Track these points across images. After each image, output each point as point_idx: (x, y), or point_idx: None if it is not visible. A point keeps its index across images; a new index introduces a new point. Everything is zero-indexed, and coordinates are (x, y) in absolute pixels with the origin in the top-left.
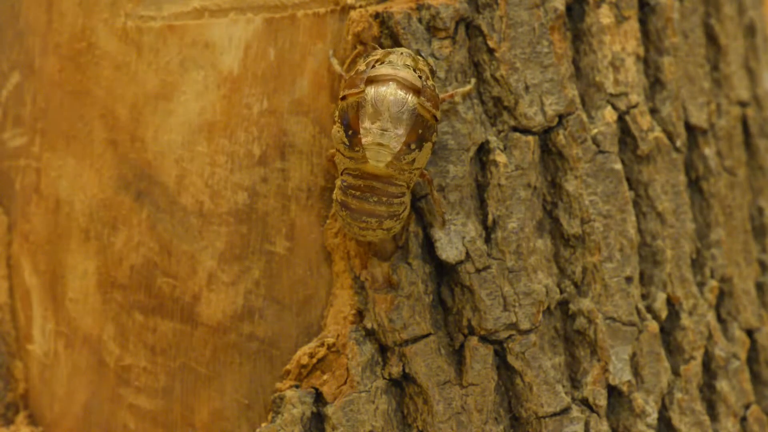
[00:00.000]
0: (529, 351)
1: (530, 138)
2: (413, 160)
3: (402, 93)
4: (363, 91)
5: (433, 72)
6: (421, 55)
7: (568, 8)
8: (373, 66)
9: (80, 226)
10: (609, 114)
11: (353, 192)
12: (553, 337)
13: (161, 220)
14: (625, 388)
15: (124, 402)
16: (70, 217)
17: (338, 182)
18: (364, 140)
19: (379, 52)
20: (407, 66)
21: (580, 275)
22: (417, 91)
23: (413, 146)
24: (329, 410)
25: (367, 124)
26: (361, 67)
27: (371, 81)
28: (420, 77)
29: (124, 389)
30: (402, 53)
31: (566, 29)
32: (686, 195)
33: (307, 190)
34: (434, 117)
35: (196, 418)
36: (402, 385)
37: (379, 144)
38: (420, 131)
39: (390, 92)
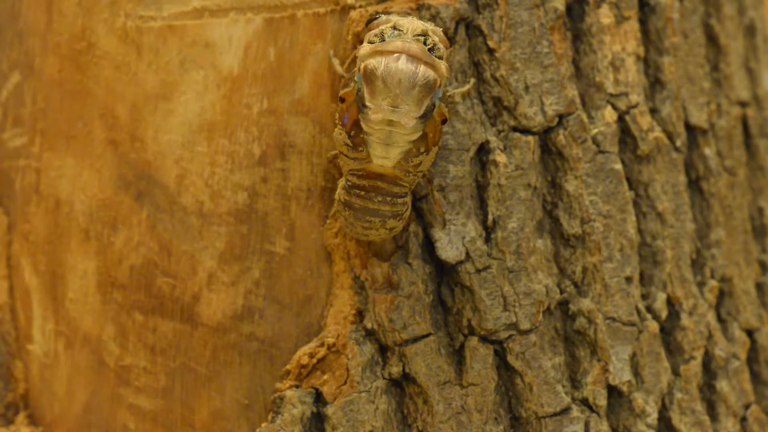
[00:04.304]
0: (529, 351)
1: (530, 138)
2: (419, 163)
3: (412, 66)
4: (353, 88)
5: (449, 37)
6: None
7: (568, 8)
8: (382, 39)
9: (80, 226)
10: (609, 114)
11: (357, 192)
12: (553, 337)
13: (161, 220)
14: (625, 388)
15: (124, 402)
16: (70, 217)
17: (341, 182)
18: (373, 117)
19: (384, 20)
20: (417, 37)
21: (580, 275)
22: (429, 65)
23: (422, 149)
24: (329, 410)
25: (377, 100)
26: (367, 42)
27: (380, 53)
28: (432, 49)
29: (124, 389)
30: (413, 20)
31: (566, 29)
32: (686, 195)
33: (307, 190)
34: (443, 120)
35: (196, 418)
36: (402, 385)
37: (390, 122)
38: (431, 111)
39: (401, 66)
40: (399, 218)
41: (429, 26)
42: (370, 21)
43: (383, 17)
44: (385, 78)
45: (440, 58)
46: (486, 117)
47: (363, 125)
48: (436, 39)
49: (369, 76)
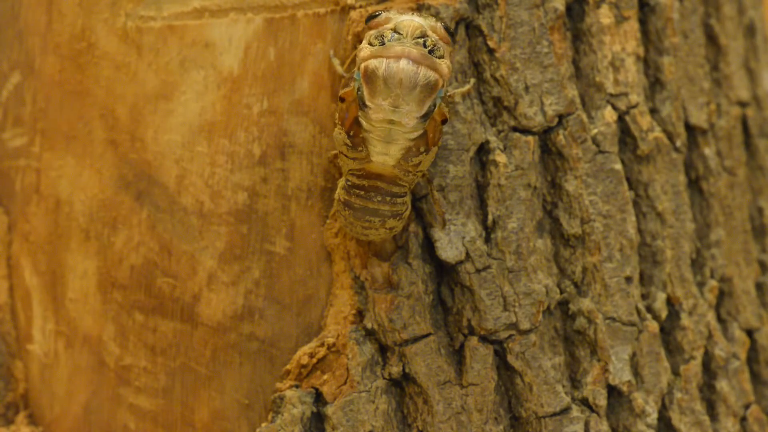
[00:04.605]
0: (529, 351)
1: (530, 138)
2: (419, 163)
3: (414, 66)
4: (352, 88)
5: (451, 35)
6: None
7: (568, 8)
8: (382, 43)
9: (80, 226)
10: (609, 114)
11: (357, 191)
12: (553, 337)
13: (161, 220)
14: (625, 388)
15: (124, 402)
16: (70, 217)
17: (341, 182)
18: (374, 116)
19: (384, 19)
20: (417, 40)
21: (580, 275)
22: (431, 68)
23: (422, 149)
24: (329, 410)
25: (377, 100)
26: (366, 44)
27: (381, 56)
28: (432, 50)
29: (124, 389)
30: (413, 20)
31: (566, 29)
32: (686, 195)
33: (307, 190)
34: (444, 120)
35: (196, 418)
36: (402, 385)
37: (391, 120)
38: (432, 111)
39: (402, 66)
40: (399, 218)
41: (429, 23)
42: (370, 18)
43: (383, 15)
44: (386, 78)
45: (441, 57)
46: (486, 117)
47: (363, 122)
48: (436, 38)
49: (370, 75)
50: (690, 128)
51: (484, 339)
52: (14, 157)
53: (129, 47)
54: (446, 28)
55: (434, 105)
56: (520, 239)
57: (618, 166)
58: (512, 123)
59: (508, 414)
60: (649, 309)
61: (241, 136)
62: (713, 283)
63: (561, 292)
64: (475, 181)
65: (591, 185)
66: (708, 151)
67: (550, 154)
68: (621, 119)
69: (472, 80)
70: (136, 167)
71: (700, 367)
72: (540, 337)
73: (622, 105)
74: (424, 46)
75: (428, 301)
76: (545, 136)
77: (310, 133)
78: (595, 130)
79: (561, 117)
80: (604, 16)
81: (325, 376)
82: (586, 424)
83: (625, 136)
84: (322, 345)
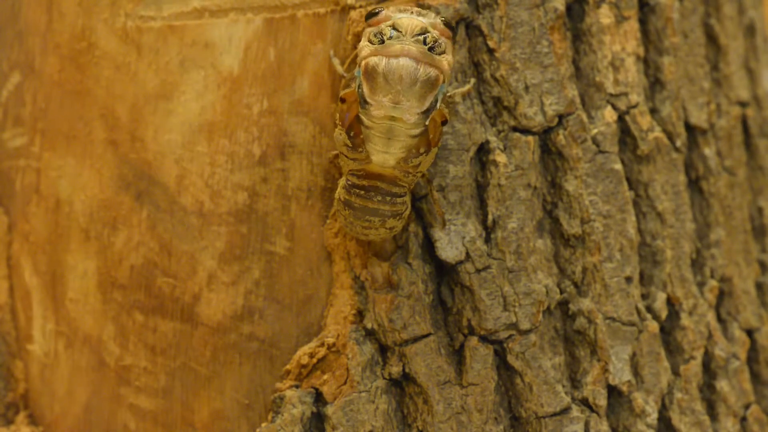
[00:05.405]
0: (529, 351)
1: (530, 138)
2: (419, 164)
3: (413, 62)
4: (353, 89)
5: (452, 30)
6: (438, 15)
7: (568, 8)
8: (382, 41)
9: (80, 226)
10: (609, 114)
11: (357, 191)
12: (553, 337)
13: (161, 220)
14: (625, 388)
15: (124, 402)
16: (70, 217)
17: (342, 182)
18: (375, 113)
19: (383, 16)
20: (417, 38)
21: (580, 275)
22: (430, 66)
23: (422, 149)
24: (329, 410)
25: (378, 96)
26: (366, 41)
27: (380, 54)
28: (433, 47)
29: (125, 389)
30: (412, 17)
31: (566, 29)
32: (686, 195)
33: (307, 190)
34: (444, 121)
35: (196, 418)
36: (402, 385)
37: (392, 118)
38: (434, 107)
39: (402, 62)
40: (399, 218)
41: (429, 20)
42: (370, 16)
43: (383, 13)
44: (387, 74)
45: (442, 53)
46: (486, 117)
47: (364, 119)
48: (437, 34)
49: (370, 72)
50: (690, 128)
51: (484, 339)
52: (14, 157)
53: (129, 47)
54: (446, 24)
55: (435, 101)
56: (520, 239)
57: (618, 166)
58: (512, 123)
59: (508, 414)
60: (649, 309)
61: (241, 136)
62: (713, 283)
63: (561, 292)
64: (475, 181)
65: (591, 185)
66: (708, 151)
67: (550, 154)
68: (621, 119)
69: (472, 80)
70: (136, 167)
71: (700, 367)
72: (540, 337)
73: (622, 105)
74: (424, 43)
75: (428, 301)
76: (545, 136)
77: (310, 133)
78: (595, 130)
79: (561, 117)
80: (604, 16)
81: (325, 376)
82: (586, 424)
83: (625, 136)
84: (322, 345)
